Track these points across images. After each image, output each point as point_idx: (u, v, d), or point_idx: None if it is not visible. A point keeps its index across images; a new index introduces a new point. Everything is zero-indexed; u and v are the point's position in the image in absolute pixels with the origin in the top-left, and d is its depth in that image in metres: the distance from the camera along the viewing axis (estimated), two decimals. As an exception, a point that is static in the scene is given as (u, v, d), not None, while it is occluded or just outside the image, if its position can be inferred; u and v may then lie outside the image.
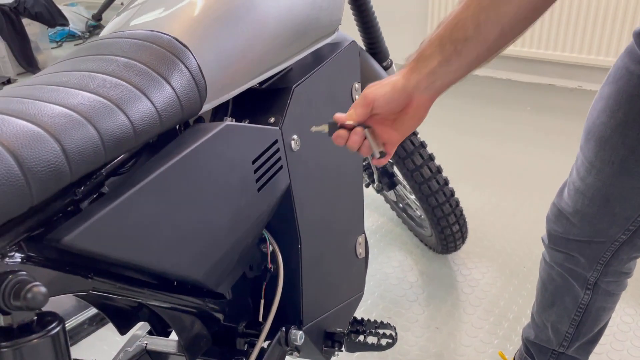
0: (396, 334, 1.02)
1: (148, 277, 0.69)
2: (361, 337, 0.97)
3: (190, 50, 0.72)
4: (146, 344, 0.91)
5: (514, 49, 3.29)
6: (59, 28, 4.21)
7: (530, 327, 1.27)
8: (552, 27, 3.15)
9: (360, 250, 1.12)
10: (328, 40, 1.10)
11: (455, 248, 1.75)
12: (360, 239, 1.13)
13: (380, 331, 1.01)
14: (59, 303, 1.62)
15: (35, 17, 3.62)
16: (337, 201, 1.11)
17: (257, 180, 0.80)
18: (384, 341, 1.00)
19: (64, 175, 0.51)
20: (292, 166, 0.89)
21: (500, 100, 3.14)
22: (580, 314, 1.14)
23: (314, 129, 0.84)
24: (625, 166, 0.93)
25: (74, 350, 1.55)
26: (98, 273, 0.60)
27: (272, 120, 0.87)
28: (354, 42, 1.10)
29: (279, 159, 0.86)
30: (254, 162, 0.80)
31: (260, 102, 0.91)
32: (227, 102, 0.89)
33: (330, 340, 0.99)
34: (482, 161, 2.45)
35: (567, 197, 1.06)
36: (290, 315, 0.93)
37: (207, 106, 0.76)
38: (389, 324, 1.04)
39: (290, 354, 1.00)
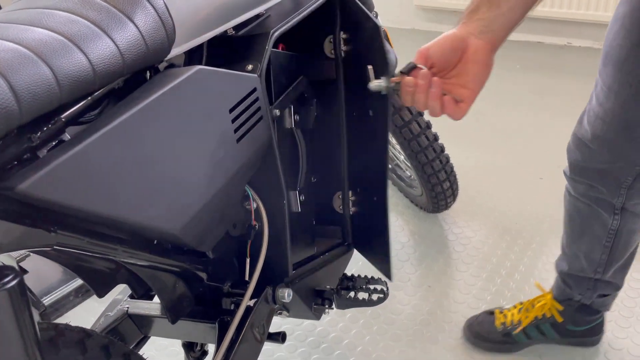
0: (387, 288, 0.99)
1: (121, 232, 0.65)
2: (352, 294, 0.94)
3: (155, -13, 0.66)
4: (127, 307, 0.88)
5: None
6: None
7: (562, 260, 1.28)
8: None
9: (341, 206, 1.09)
10: None
11: (447, 206, 1.73)
12: (340, 195, 1.09)
13: (371, 286, 0.99)
14: (44, 275, 1.58)
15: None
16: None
17: (235, 131, 0.76)
18: (375, 296, 0.98)
19: (13, 114, 0.46)
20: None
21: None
22: (612, 239, 1.16)
23: (373, 84, 0.81)
24: None
25: (60, 321, 1.51)
26: (63, 227, 0.56)
27: (250, 67, 0.82)
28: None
29: (259, 108, 0.81)
30: (231, 110, 0.75)
31: (237, 49, 0.86)
32: (202, 48, 0.84)
33: (320, 297, 0.97)
34: (471, 120, 2.40)
35: (587, 124, 1.05)
36: (277, 274, 0.89)
37: (177, 50, 0.71)
38: (380, 279, 1.01)
39: (280, 314, 0.97)
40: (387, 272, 1.08)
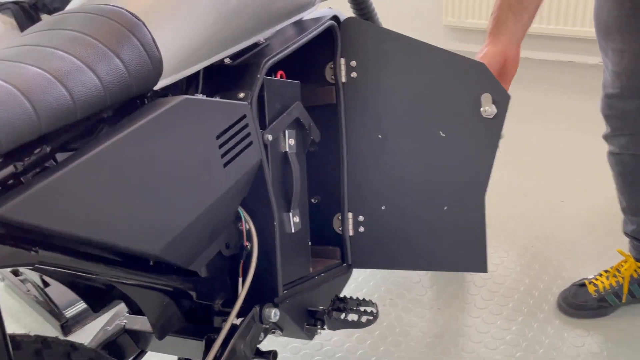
0: (377, 311, 1.00)
1: (102, 252, 0.69)
2: (342, 315, 0.96)
3: (144, 24, 0.71)
4: (125, 322, 0.92)
5: (532, 26, 3.19)
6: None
7: (627, 223, 1.40)
8: (571, 1, 3.05)
9: (340, 227, 1.11)
10: (307, 14, 1.08)
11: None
12: (340, 216, 1.12)
13: (362, 308, 1.00)
14: (64, 293, 1.65)
15: (54, 13, 3.68)
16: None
17: (222, 156, 0.79)
18: (364, 318, 0.99)
19: None
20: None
21: (515, 79, 3.05)
22: None
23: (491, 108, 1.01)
24: None
25: (78, 335, 1.58)
26: (44, 247, 0.60)
27: (241, 95, 0.86)
28: (334, 17, 1.08)
29: (249, 134, 0.85)
30: (218, 137, 0.79)
31: (232, 77, 0.90)
32: (198, 77, 0.88)
33: (313, 318, 0.98)
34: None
35: (611, 84, 1.23)
36: (267, 293, 0.92)
37: (166, 81, 0.75)
38: (371, 301, 1.02)
39: (273, 333, 1.00)
40: None
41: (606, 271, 1.47)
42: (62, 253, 0.63)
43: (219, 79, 0.90)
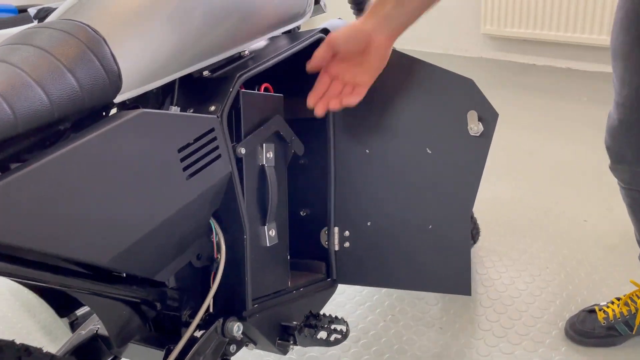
0: (347, 330, 0.99)
1: (53, 260, 0.71)
2: (312, 331, 0.95)
3: (104, 39, 0.72)
4: (98, 328, 0.94)
5: (574, 35, 3.07)
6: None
7: None
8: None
9: (327, 241, 1.10)
10: (299, 24, 1.08)
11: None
12: (329, 230, 1.11)
13: (333, 326, 0.98)
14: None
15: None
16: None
17: (185, 168, 0.80)
18: (333, 337, 0.97)
19: None
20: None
21: (555, 90, 2.95)
22: None
23: (476, 127, 0.96)
24: None
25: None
26: None
27: (212, 108, 0.87)
28: (324, 29, 1.07)
29: (217, 147, 0.85)
30: (181, 149, 0.79)
31: (207, 89, 0.91)
32: (173, 89, 0.90)
33: (286, 333, 0.98)
34: (524, 156, 2.32)
35: (614, 113, 1.17)
36: (236, 306, 0.92)
37: (127, 95, 0.77)
38: (343, 319, 1.00)
39: (247, 346, 1.00)
40: None
41: (618, 299, 1.40)
42: (8, 262, 0.64)
43: (194, 91, 0.91)
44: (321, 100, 0.93)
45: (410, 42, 2.65)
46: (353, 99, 0.91)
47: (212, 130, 0.84)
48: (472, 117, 0.98)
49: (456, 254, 1.03)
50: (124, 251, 0.72)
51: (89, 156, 0.67)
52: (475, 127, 0.97)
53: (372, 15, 0.86)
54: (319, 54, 0.89)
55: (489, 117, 0.98)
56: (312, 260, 1.14)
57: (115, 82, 0.73)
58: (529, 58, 3.36)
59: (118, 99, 0.75)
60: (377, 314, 1.55)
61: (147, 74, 0.79)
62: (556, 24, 3.12)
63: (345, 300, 1.60)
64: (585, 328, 1.38)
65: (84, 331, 0.94)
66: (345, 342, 1.46)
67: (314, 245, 1.15)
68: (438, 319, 1.52)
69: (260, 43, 1.06)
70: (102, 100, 0.72)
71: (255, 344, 0.99)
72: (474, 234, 1.62)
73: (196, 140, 0.82)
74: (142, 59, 0.78)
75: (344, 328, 0.98)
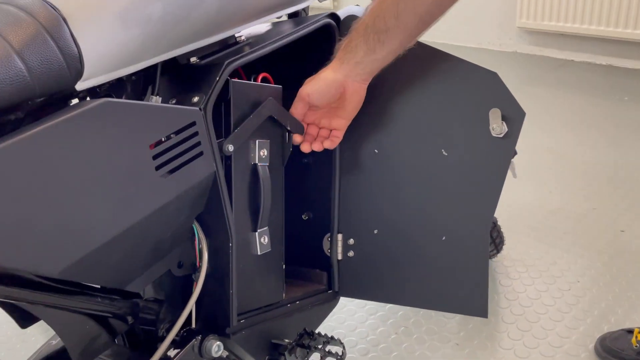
0: (344, 353, 0.88)
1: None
2: (305, 352, 0.85)
3: (63, 17, 0.63)
4: (69, 338, 0.85)
5: (616, 30, 2.88)
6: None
7: None
8: (663, 3, 2.72)
9: (330, 249, 1.00)
10: (304, 5, 0.98)
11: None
12: (331, 237, 1.01)
13: (327, 348, 0.88)
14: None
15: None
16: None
17: (158, 167, 0.70)
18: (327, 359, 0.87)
19: None
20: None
21: (594, 89, 2.77)
22: None
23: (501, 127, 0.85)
24: None
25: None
26: None
27: (195, 99, 0.77)
28: (332, 14, 0.96)
29: (198, 143, 0.75)
30: (153, 145, 0.70)
31: (192, 78, 0.81)
32: (155, 77, 0.80)
33: (276, 352, 0.88)
34: (556, 158, 2.16)
35: None
36: (219, 322, 0.82)
37: (92, 81, 0.67)
38: (340, 340, 0.90)
39: (235, 363, 0.90)
40: None
41: None
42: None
43: (180, 79, 0.81)
44: (305, 141, 0.91)
45: (441, 35, 2.50)
46: (330, 144, 0.90)
47: (192, 124, 0.74)
48: (494, 115, 0.85)
49: (472, 269, 0.91)
50: (79, 261, 0.63)
51: (35, 151, 0.58)
52: (498, 127, 0.85)
53: (343, 62, 0.84)
54: (297, 109, 0.87)
55: (514, 116, 0.85)
56: (312, 269, 1.04)
57: (75, 66, 0.63)
58: (567, 54, 3.17)
59: (81, 86, 0.66)
60: (388, 325, 1.44)
61: (119, 58, 0.70)
62: (597, 17, 2.93)
63: (355, 309, 1.49)
64: (615, 346, 1.26)
65: (54, 342, 0.86)
66: (353, 355, 1.36)
67: (316, 253, 1.04)
68: (455, 334, 1.40)
69: (260, 27, 0.96)
70: (58, 88, 0.63)
71: (242, 361, 0.89)
72: (497, 242, 1.49)
73: (174, 134, 0.72)
74: (112, 40, 0.68)
75: (339, 350, 0.88)
